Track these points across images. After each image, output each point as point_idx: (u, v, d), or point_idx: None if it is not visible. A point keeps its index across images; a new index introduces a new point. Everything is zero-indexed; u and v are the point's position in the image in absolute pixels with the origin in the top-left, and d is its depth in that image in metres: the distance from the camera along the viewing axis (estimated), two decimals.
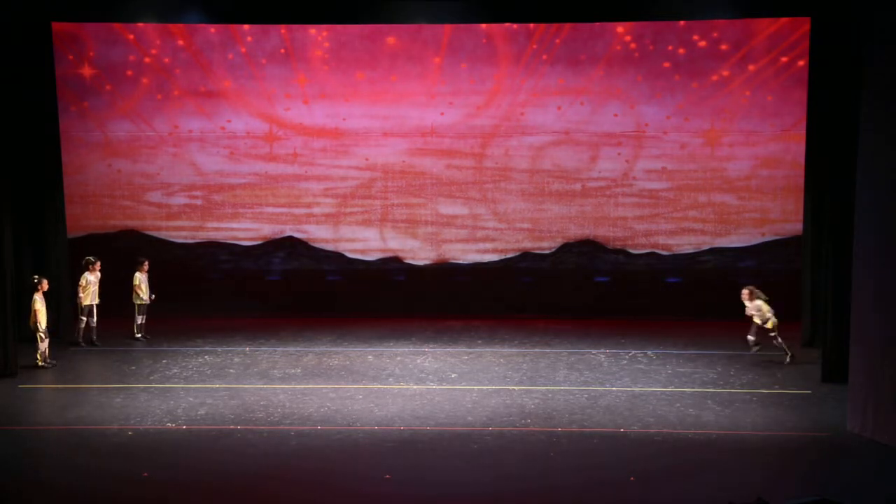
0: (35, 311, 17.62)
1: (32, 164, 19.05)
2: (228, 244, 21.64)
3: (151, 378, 17.17)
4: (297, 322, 20.69)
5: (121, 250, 21.01)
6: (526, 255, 21.45)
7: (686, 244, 21.18)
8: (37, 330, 17.62)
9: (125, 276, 19.50)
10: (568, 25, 20.51)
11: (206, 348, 18.97)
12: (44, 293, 17.77)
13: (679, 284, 21.20)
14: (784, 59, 20.32)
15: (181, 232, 21.59)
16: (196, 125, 21.27)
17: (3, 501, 12.18)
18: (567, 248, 21.35)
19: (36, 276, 17.99)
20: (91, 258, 19.11)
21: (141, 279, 19.39)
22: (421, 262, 21.63)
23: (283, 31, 20.80)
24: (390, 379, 17.02)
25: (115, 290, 19.43)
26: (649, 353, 18.57)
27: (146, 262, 19.49)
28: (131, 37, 20.87)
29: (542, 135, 21.07)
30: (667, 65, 20.61)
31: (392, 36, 20.80)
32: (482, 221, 21.45)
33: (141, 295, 19.36)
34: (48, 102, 19.23)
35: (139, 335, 19.42)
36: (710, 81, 20.59)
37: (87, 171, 21.33)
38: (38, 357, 17.72)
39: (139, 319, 19.46)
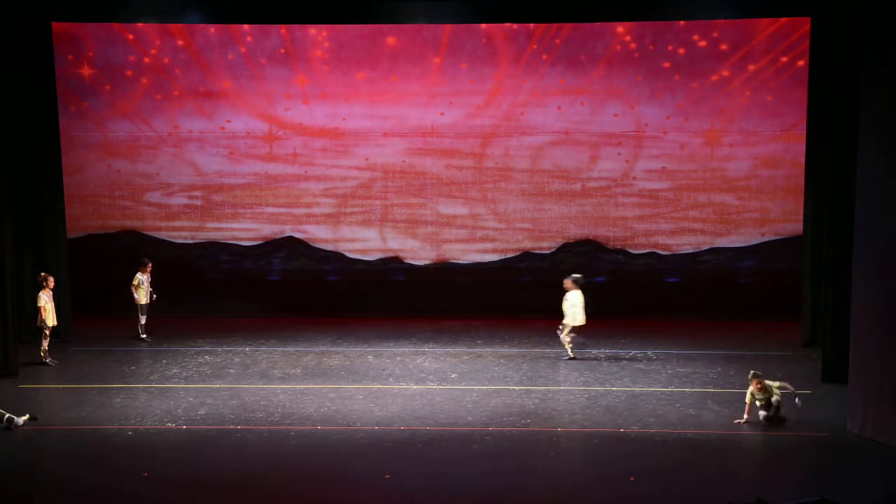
0: (40, 308, 17.68)
1: (32, 164, 19.03)
2: (228, 244, 21.62)
3: (151, 378, 17.17)
4: (297, 322, 20.68)
5: (120, 250, 21.03)
6: (526, 255, 21.44)
7: (686, 244, 21.17)
8: (43, 327, 17.67)
9: (125, 276, 19.49)
10: (568, 25, 20.50)
11: (206, 348, 18.96)
12: (46, 291, 17.83)
13: (679, 284, 21.19)
14: (784, 59, 20.31)
15: (181, 232, 21.57)
16: (196, 125, 21.26)
17: (4, 501, 12.18)
18: (567, 248, 21.34)
19: (42, 273, 18.03)
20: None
21: (141, 280, 19.37)
22: (421, 262, 21.62)
23: (283, 31, 20.79)
24: (390, 379, 17.02)
25: (115, 290, 19.42)
26: (649, 353, 18.57)
27: (149, 264, 19.46)
28: (131, 37, 20.86)
29: (542, 135, 21.07)
30: (667, 65, 20.61)
31: (392, 36, 20.79)
32: (482, 221, 21.44)
33: (138, 295, 19.33)
34: (48, 102, 19.18)
35: (144, 335, 19.40)
36: (710, 81, 20.59)
37: (87, 171, 21.34)
38: (42, 354, 17.77)
39: (142, 319, 19.44)
